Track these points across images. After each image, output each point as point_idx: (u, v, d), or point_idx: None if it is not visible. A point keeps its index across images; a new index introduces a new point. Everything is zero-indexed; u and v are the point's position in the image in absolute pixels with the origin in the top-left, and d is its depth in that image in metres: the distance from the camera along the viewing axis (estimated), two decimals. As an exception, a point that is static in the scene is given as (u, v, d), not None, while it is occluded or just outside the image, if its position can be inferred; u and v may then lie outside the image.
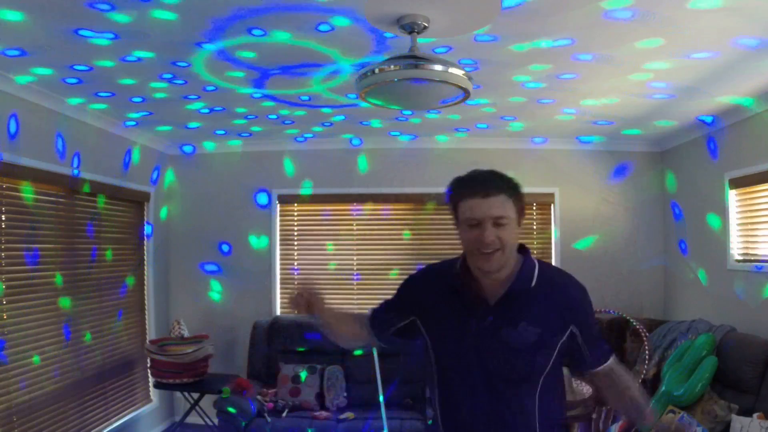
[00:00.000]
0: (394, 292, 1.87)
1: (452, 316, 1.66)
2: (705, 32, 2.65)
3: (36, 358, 3.56)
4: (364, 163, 5.32)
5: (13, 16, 2.44)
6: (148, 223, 4.99)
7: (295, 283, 5.34)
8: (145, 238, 4.98)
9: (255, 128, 4.76)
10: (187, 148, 5.36)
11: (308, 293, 1.89)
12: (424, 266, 1.86)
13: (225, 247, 5.36)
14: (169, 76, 3.32)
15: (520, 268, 1.65)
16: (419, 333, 1.76)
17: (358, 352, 4.58)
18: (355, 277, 5.32)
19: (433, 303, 1.71)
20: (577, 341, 1.64)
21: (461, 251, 1.70)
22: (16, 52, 2.88)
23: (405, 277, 1.86)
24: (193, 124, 4.56)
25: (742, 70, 3.16)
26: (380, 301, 1.91)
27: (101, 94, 3.65)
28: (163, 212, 5.31)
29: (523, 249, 1.70)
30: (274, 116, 4.34)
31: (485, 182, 1.62)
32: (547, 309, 1.62)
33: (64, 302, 3.88)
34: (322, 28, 2.65)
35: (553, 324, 1.62)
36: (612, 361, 1.69)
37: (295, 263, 5.39)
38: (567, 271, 1.82)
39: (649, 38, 2.73)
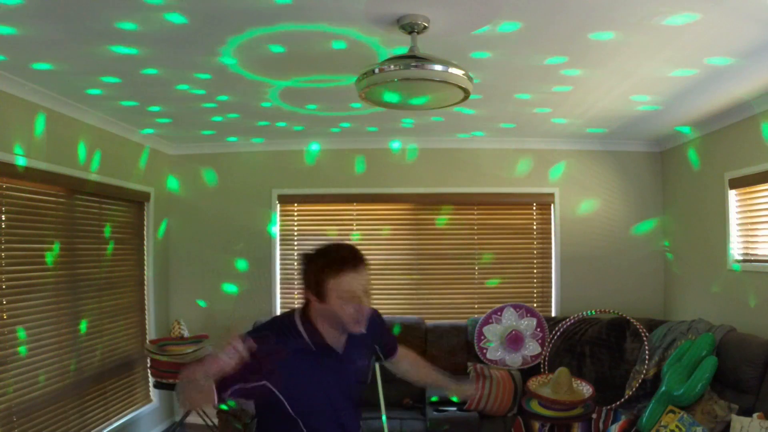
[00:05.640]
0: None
1: (305, 368, 1.80)
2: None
3: (26, 353, 3.57)
4: (363, 163, 5.32)
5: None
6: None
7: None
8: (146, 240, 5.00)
9: (257, 129, 4.76)
10: (196, 149, 5.37)
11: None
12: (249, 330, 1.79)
13: (225, 247, 5.36)
14: (180, 83, 3.33)
15: None
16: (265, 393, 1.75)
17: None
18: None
19: (285, 361, 1.75)
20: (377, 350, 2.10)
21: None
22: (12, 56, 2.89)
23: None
24: (199, 122, 4.57)
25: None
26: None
27: (101, 93, 3.65)
28: (163, 212, 5.31)
29: None
30: (282, 122, 4.35)
31: (357, 255, 1.80)
32: (367, 340, 1.97)
33: (64, 302, 3.88)
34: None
35: (370, 350, 2.04)
36: (401, 348, 2.19)
37: (296, 263, 5.39)
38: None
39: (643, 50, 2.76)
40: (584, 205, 5.24)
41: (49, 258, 3.76)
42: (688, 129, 4.50)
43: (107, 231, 4.43)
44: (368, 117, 4.40)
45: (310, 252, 1.84)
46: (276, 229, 5.37)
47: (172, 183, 5.41)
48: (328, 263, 1.77)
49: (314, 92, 3.69)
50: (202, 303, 5.34)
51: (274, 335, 1.78)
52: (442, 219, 5.29)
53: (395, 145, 5.27)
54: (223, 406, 4.09)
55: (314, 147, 5.30)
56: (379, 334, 2.06)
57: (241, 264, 5.34)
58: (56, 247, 3.81)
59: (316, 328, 1.83)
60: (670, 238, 5.10)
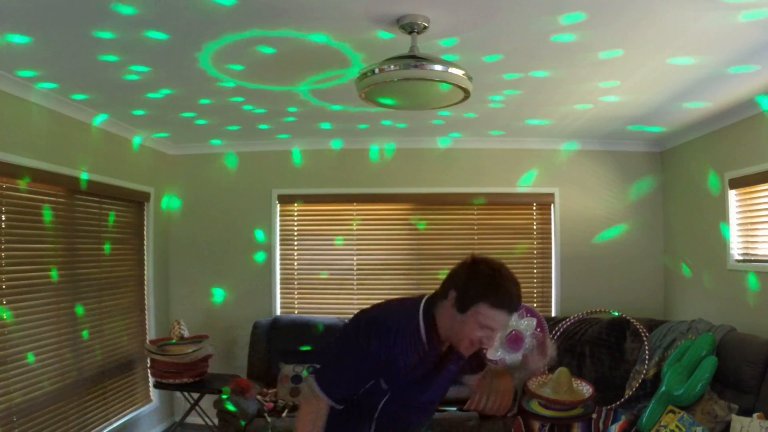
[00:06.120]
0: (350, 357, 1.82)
1: (411, 367, 1.81)
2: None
3: (31, 357, 3.57)
4: (364, 163, 5.32)
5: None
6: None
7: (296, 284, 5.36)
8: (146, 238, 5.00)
9: (260, 127, 4.76)
10: (196, 149, 5.37)
11: None
12: (378, 327, 1.80)
13: (225, 247, 5.36)
14: (172, 79, 3.33)
15: None
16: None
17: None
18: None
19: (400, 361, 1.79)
20: None
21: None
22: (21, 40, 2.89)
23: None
24: (198, 122, 4.56)
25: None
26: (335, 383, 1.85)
27: (101, 93, 3.65)
28: (164, 212, 5.31)
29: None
30: (274, 120, 4.35)
31: (516, 300, 1.72)
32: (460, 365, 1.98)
33: (64, 302, 3.88)
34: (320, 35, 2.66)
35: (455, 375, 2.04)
36: None
37: (295, 263, 5.39)
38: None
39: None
40: (584, 205, 5.24)
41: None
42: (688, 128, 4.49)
43: (107, 231, 4.43)
44: (368, 117, 4.40)
45: (484, 259, 1.76)
46: (276, 229, 5.37)
47: (173, 183, 5.41)
48: (494, 289, 1.68)
49: (313, 93, 3.69)
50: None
51: (393, 336, 1.76)
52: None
53: (397, 145, 5.26)
54: (229, 405, 4.09)
55: (314, 147, 5.31)
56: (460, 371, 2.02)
57: (242, 264, 5.34)
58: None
59: (437, 333, 1.78)
60: (671, 239, 5.10)
